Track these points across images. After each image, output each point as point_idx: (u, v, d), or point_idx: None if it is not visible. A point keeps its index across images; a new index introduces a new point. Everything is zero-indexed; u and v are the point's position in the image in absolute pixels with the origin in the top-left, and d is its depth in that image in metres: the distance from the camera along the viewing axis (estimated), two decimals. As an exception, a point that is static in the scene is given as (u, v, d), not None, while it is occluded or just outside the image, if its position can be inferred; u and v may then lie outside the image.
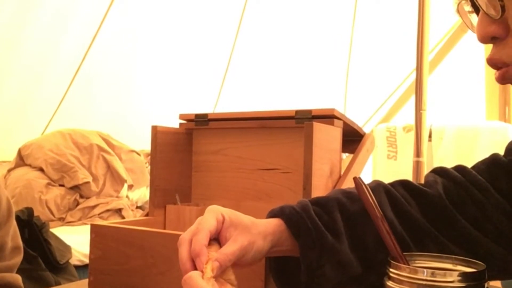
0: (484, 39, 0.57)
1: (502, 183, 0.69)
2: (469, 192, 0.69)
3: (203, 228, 0.57)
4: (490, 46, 0.59)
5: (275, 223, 0.65)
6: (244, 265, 0.61)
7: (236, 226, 0.60)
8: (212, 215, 0.60)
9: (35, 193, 2.92)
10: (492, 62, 0.58)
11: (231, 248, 0.58)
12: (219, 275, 0.56)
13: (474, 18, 0.60)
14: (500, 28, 0.55)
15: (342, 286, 0.67)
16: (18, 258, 1.01)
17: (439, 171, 0.74)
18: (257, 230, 0.62)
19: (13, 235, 1.01)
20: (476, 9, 0.59)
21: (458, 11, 0.62)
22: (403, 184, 0.72)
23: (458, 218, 0.67)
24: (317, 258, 0.64)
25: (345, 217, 0.67)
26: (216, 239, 0.60)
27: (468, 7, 0.61)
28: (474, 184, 0.69)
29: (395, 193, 0.70)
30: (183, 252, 0.57)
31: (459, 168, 0.73)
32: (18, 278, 0.99)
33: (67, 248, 2.15)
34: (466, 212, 0.68)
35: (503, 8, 0.53)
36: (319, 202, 0.68)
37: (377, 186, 0.71)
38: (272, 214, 0.67)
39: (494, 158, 0.73)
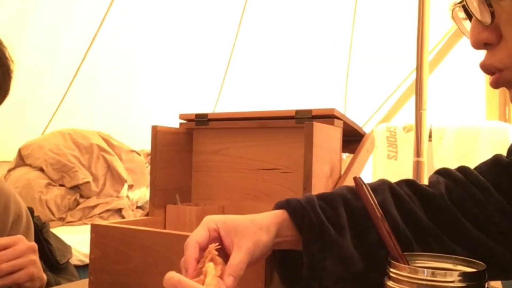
0: (476, 45, 0.58)
1: (503, 183, 0.69)
2: (470, 192, 0.69)
3: (190, 242, 0.58)
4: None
5: (277, 214, 0.66)
6: (254, 263, 0.62)
7: (235, 231, 0.60)
8: (203, 226, 0.60)
9: (35, 193, 2.92)
10: (485, 68, 0.59)
11: (238, 257, 0.58)
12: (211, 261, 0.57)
13: (468, 25, 0.60)
14: (492, 34, 0.56)
15: (343, 284, 0.67)
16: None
17: (441, 172, 0.75)
18: (258, 226, 0.62)
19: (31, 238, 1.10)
20: (469, 15, 0.59)
21: (453, 17, 0.62)
22: (408, 183, 0.73)
23: (459, 217, 0.68)
24: (319, 252, 0.64)
25: (349, 213, 0.68)
26: (221, 249, 0.60)
27: (462, 14, 0.62)
28: (475, 184, 0.70)
29: (399, 191, 0.71)
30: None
31: (461, 169, 0.74)
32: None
33: (67, 248, 2.14)
34: (467, 211, 0.68)
35: (492, 14, 0.54)
36: (324, 197, 0.69)
37: (381, 184, 0.72)
38: (277, 207, 0.68)
39: (496, 158, 0.73)
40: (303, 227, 0.65)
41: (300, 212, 0.66)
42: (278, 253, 0.70)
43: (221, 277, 0.55)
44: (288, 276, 0.71)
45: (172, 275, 0.53)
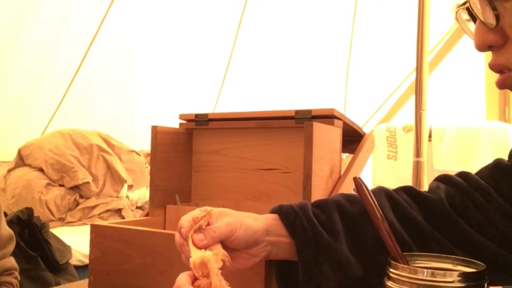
0: (481, 47, 0.58)
1: (505, 187, 0.69)
2: (472, 197, 0.69)
3: (186, 215, 0.62)
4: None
5: (269, 215, 0.67)
6: (238, 244, 0.62)
7: (221, 213, 0.63)
8: (196, 209, 0.63)
9: (35, 193, 2.91)
10: (494, 67, 0.59)
11: (216, 224, 0.61)
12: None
13: (473, 26, 0.60)
14: (497, 36, 0.56)
15: None
16: (12, 245, 1.11)
17: (441, 178, 0.75)
18: (245, 214, 0.64)
19: (4, 226, 1.10)
20: (473, 17, 0.59)
21: (456, 19, 0.62)
22: (405, 189, 0.73)
23: (460, 222, 0.67)
24: (313, 256, 0.64)
25: (343, 218, 0.68)
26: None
27: (465, 16, 0.61)
28: (477, 189, 0.69)
29: (396, 197, 0.70)
30: (177, 239, 0.61)
31: (462, 174, 0.74)
32: (13, 261, 1.10)
33: (67, 248, 2.15)
34: (469, 216, 0.68)
35: (497, 16, 0.54)
36: (318, 204, 0.69)
37: (378, 190, 0.71)
38: (271, 212, 0.68)
39: (497, 162, 0.73)
40: (295, 231, 0.65)
41: (292, 217, 0.66)
42: (275, 262, 0.70)
43: (223, 267, 0.57)
44: (286, 284, 0.70)
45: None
